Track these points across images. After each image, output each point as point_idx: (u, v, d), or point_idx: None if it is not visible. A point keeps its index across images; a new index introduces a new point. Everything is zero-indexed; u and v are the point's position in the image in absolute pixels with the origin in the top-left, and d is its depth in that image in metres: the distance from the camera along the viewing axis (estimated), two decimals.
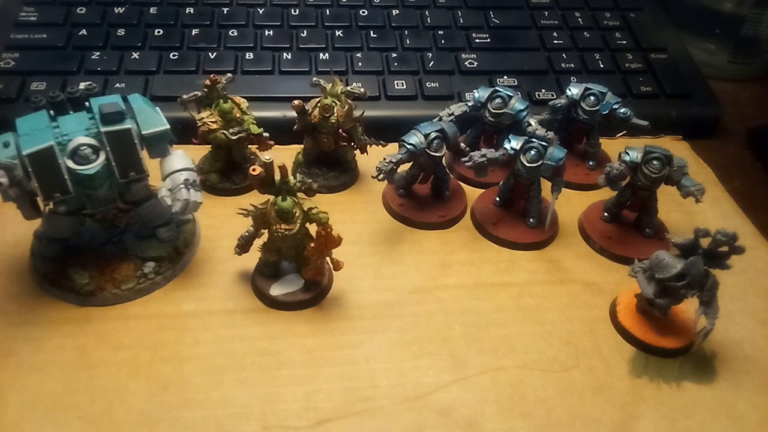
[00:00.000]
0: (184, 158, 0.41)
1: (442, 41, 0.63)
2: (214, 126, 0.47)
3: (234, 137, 0.47)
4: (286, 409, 0.37)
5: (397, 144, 0.47)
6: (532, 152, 0.45)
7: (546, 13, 0.67)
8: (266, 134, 0.48)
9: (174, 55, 0.58)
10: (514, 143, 0.46)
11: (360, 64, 0.59)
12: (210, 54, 0.59)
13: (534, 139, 0.45)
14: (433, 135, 0.46)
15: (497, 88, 0.51)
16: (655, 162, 0.44)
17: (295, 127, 0.49)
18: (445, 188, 0.50)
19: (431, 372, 0.39)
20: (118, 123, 0.37)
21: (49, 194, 0.37)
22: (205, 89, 0.47)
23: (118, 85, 0.55)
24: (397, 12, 0.65)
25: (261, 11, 0.64)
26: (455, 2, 0.67)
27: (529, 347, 0.41)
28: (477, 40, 0.63)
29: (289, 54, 0.60)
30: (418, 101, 0.57)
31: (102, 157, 0.37)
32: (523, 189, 0.48)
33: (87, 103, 0.39)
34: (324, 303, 0.43)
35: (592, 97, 0.51)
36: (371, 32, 0.63)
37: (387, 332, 0.41)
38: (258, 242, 0.42)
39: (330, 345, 0.40)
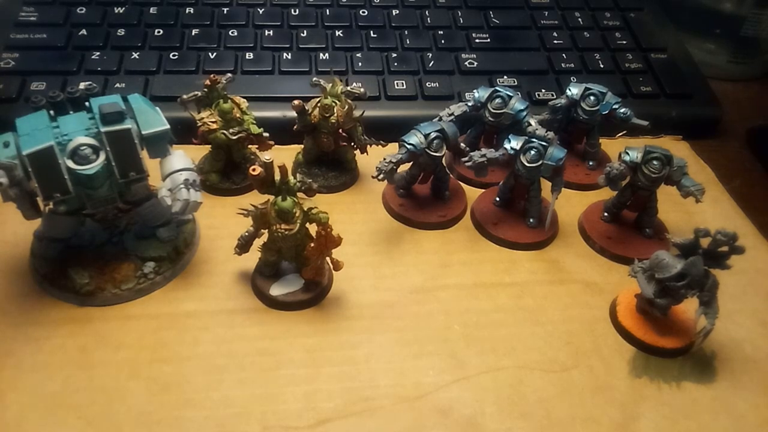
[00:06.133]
0: (184, 158, 0.41)
1: (442, 41, 0.63)
2: (214, 126, 0.47)
3: (234, 137, 0.47)
4: (286, 409, 0.37)
5: (397, 144, 0.47)
6: (532, 152, 0.45)
7: (546, 13, 0.67)
8: (266, 134, 0.48)
9: (174, 55, 0.58)
10: (514, 143, 0.46)
11: (360, 64, 0.59)
12: (210, 54, 0.59)
13: (534, 139, 0.45)
14: (433, 135, 0.46)
15: (497, 88, 0.51)
16: (655, 162, 0.44)
17: (295, 127, 0.49)
18: (445, 188, 0.50)
19: (431, 372, 0.39)
20: (118, 123, 0.37)
21: (49, 194, 0.37)
22: (205, 89, 0.47)
23: (118, 85, 0.55)
24: (397, 12, 0.65)
25: (261, 11, 0.64)
26: (455, 2, 0.67)
27: (529, 347, 0.41)
28: (477, 40, 0.63)
29: (289, 54, 0.60)
30: (418, 101, 0.57)
31: (102, 157, 0.37)
32: (523, 189, 0.48)
33: (87, 103, 0.39)
34: (324, 303, 0.43)
35: (592, 97, 0.51)
36: (371, 32, 0.63)
37: (387, 332, 0.41)
38: (258, 242, 0.42)
39: (330, 345, 0.40)
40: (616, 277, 0.46)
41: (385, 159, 0.45)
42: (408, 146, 0.46)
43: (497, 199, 0.49)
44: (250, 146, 0.50)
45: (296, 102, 0.47)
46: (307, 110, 0.48)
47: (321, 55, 0.60)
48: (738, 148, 0.60)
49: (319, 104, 0.48)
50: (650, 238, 0.48)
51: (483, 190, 0.52)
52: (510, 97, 0.50)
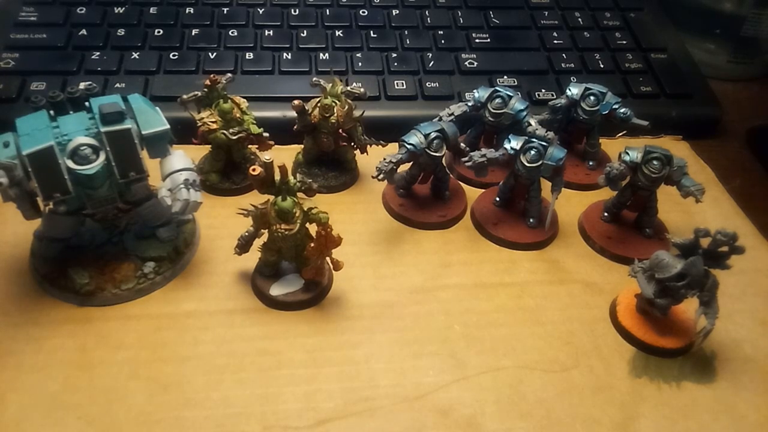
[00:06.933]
0: (184, 158, 0.41)
1: (442, 41, 0.63)
2: (214, 126, 0.47)
3: (234, 137, 0.47)
4: (286, 409, 0.37)
5: (397, 144, 0.47)
6: (532, 152, 0.45)
7: (546, 13, 0.67)
8: (266, 134, 0.48)
9: (174, 55, 0.58)
10: (514, 143, 0.46)
11: (360, 64, 0.59)
12: (210, 54, 0.59)
13: (534, 139, 0.45)
14: (433, 135, 0.46)
15: (497, 88, 0.51)
16: (655, 162, 0.44)
17: (295, 127, 0.49)
18: (445, 188, 0.50)
19: (431, 372, 0.39)
20: (118, 123, 0.37)
21: (49, 194, 0.37)
22: (205, 89, 0.47)
23: (118, 85, 0.55)
24: (397, 12, 0.65)
25: (261, 11, 0.64)
26: (455, 2, 0.67)
27: (529, 347, 0.41)
28: (477, 40, 0.63)
29: (289, 54, 0.60)
30: (418, 101, 0.57)
31: (102, 157, 0.37)
32: (523, 189, 0.48)
33: (87, 103, 0.39)
34: (324, 303, 0.43)
35: (592, 97, 0.51)
36: (371, 32, 0.63)
37: (387, 332, 0.41)
38: (258, 242, 0.42)
39: (330, 345, 0.40)
40: (616, 277, 0.46)
41: (385, 159, 0.45)
42: (408, 146, 0.46)
43: (497, 199, 0.49)
44: (250, 146, 0.50)
45: (296, 102, 0.47)
46: (307, 110, 0.48)
47: (321, 55, 0.60)
48: (738, 148, 0.60)
49: (319, 104, 0.48)
50: (650, 238, 0.48)
51: (483, 190, 0.52)
52: (510, 97, 0.50)
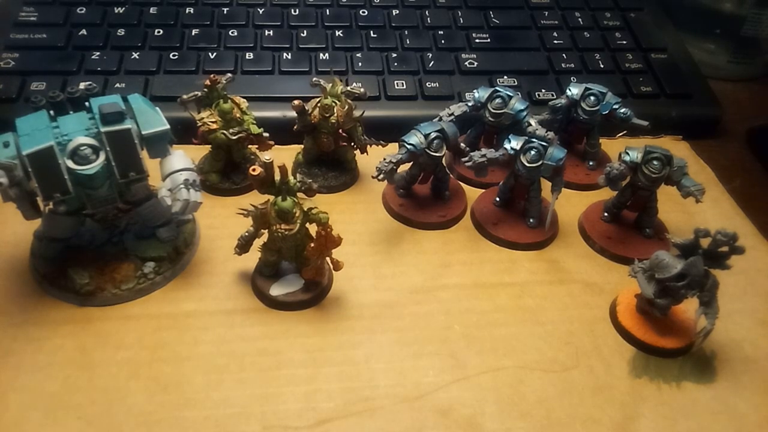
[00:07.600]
0: (184, 158, 0.41)
1: (442, 41, 0.63)
2: (214, 126, 0.47)
3: (234, 137, 0.47)
4: (286, 409, 0.37)
5: (397, 144, 0.47)
6: (532, 152, 0.45)
7: (546, 13, 0.67)
8: (266, 134, 0.48)
9: (174, 55, 0.58)
10: (514, 143, 0.46)
11: (360, 64, 0.59)
12: (210, 54, 0.59)
13: (534, 139, 0.45)
14: (433, 135, 0.46)
15: (497, 88, 0.51)
16: (655, 162, 0.44)
17: (295, 127, 0.49)
18: (445, 188, 0.50)
19: (431, 372, 0.39)
20: (118, 123, 0.37)
21: (49, 194, 0.37)
22: (205, 89, 0.47)
23: (118, 85, 0.55)
24: (397, 12, 0.65)
25: (261, 11, 0.64)
26: (455, 2, 0.67)
27: (529, 347, 0.41)
28: (477, 40, 0.63)
29: (289, 54, 0.60)
30: (418, 101, 0.57)
31: (102, 157, 0.37)
32: (523, 189, 0.48)
33: (87, 103, 0.39)
34: (324, 303, 0.43)
35: (592, 97, 0.51)
36: (371, 32, 0.63)
37: (387, 332, 0.41)
38: (258, 242, 0.42)
39: (330, 345, 0.40)
40: (616, 277, 0.46)
41: (385, 159, 0.45)
42: (408, 146, 0.46)
43: (497, 199, 0.49)
44: (250, 146, 0.50)
45: (296, 102, 0.47)
46: (307, 110, 0.48)
47: (321, 55, 0.60)
48: (738, 148, 0.60)
49: (319, 104, 0.48)
50: (650, 238, 0.48)
51: (483, 190, 0.52)
52: (510, 97, 0.50)
